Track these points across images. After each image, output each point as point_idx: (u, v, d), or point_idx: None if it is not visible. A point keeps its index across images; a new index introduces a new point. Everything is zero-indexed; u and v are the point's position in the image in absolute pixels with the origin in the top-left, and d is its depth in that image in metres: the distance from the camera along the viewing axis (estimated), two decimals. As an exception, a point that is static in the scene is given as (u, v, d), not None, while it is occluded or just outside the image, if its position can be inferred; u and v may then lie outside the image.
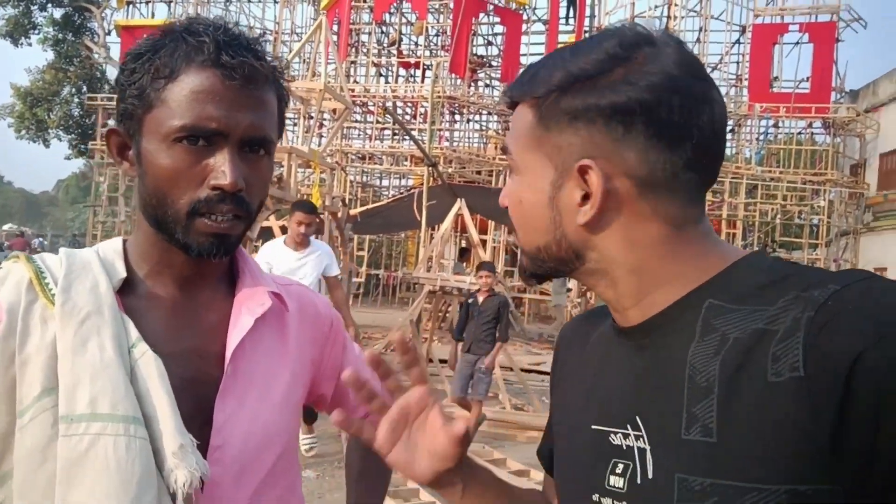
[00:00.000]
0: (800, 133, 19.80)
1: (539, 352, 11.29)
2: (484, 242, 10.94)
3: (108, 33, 24.60)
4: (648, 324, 0.67)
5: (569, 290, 13.48)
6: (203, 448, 0.78)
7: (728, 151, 21.36)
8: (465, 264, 11.06)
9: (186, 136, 0.76)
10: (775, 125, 19.88)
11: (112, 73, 24.84)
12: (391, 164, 18.92)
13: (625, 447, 0.65)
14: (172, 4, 22.99)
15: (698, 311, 0.63)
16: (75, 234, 33.18)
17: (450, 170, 16.63)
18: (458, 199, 8.04)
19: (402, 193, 17.07)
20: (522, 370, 7.76)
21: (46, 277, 0.78)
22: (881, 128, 18.01)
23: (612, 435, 0.67)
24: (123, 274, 0.82)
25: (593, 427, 0.70)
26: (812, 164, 18.66)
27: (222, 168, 0.76)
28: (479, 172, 17.94)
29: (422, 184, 12.54)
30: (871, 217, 18.00)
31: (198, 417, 0.79)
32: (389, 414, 0.76)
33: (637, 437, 0.64)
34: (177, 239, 0.80)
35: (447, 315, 11.33)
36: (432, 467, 0.74)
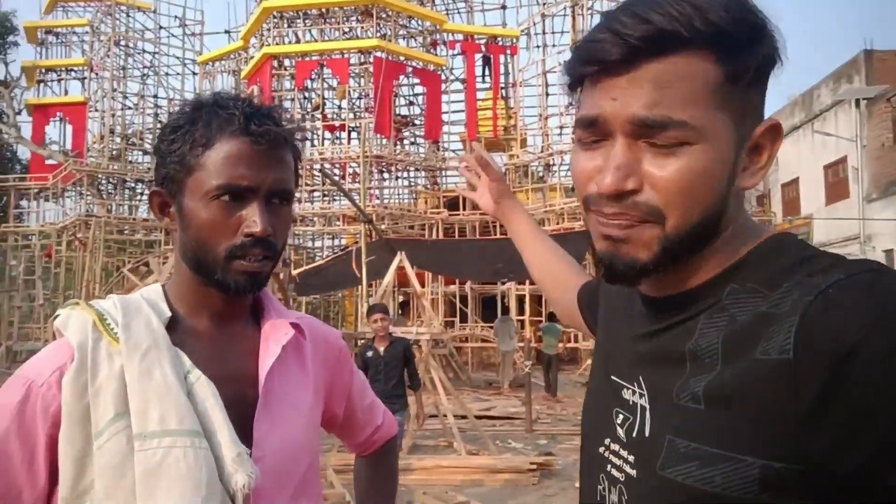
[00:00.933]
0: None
1: (488, 398, 11.36)
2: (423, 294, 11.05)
3: (19, 112, 23.89)
4: (674, 298, 0.67)
5: (512, 336, 13.51)
6: None
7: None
8: (405, 318, 11.07)
9: (224, 194, 0.90)
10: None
11: (24, 152, 24.00)
12: (323, 225, 18.94)
13: (631, 402, 0.70)
14: (87, 80, 22.63)
15: (720, 293, 0.64)
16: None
17: (383, 226, 16.79)
18: (399, 253, 8.18)
19: (336, 253, 17.05)
20: (476, 417, 7.81)
21: (107, 319, 0.90)
22: (779, 161, 19.51)
23: (625, 389, 0.72)
24: (168, 313, 0.95)
25: (612, 377, 0.75)
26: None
27: (254, 218, 0.90)
28: (411, 227, 18.20)
29: (356, 242, 12.62)
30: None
31: (239, 433, 0.90)
32: (469, 168, 1.31)
33: (641, 396, 0.68)
34: (216, 280, 0.92)
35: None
36: (488, 197, 1.28)
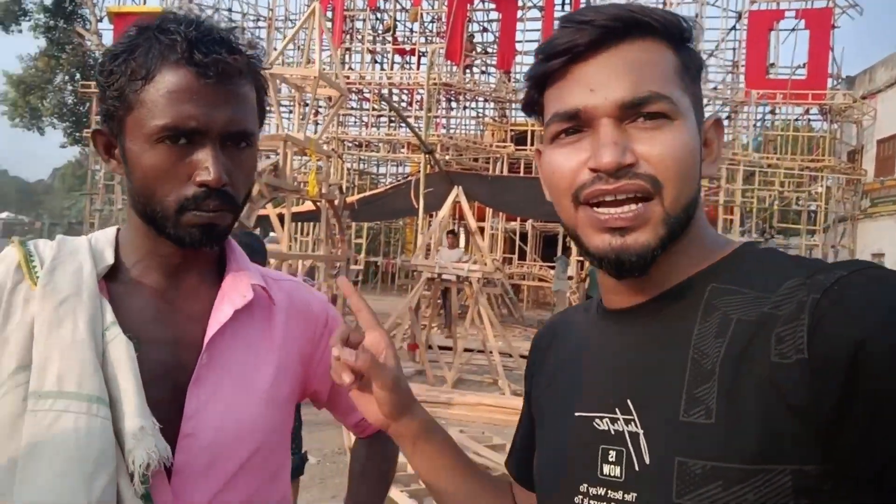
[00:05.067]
0: (797, 120, 19.78)
1: (537, 339, 11.34)
2: (482, 229, 10.92)
3: (101, 20, 24.36)
4: (650, 304, 0.66)
5: (570, 277, 13.55)
6: (175, 436, 0.79)
7: (726, 138, 21.44)
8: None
9: (168, 136, 0.78)
10: (772, 112, 19.85)
11: (105, 60, 24.61)
12: (388, 152, 18.86)
13: (613, 432, 0.63)
14: (165, -9, 22.80)
15: (702, 293, 0.62)
16: (72, 223, 33.06)
17: (447, 157, 16.58)
18: (456, 187, 8.00)
19: (399, 181, 17.02)
20: (521, 356, 7.79)
21: (34, 261, 0.80)
22: (878, 114, 18.01)
23: (598, 420, 0.65)
24: (110, 261, 0.84)
25: (577, 414, 0.68)
26: (809, 151, 18.66)
27: (206, 165, 0.78)
28: (475, 160, 17.89)
29: (419, 171, 12.50)
30: (869, 203, 18.03)
31: (173, 404, 0.80)
32: (348, 358, 0.72)
33: (627, 422, 0.62)
34: (167, 232, 0.81)
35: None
36: (376, 410, 0.79)
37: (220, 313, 0.85)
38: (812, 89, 17.54)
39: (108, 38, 23.33)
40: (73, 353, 0.74)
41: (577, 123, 0.64)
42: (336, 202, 7.41)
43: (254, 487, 0.86)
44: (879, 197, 17.59)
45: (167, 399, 0.79)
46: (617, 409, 0.63)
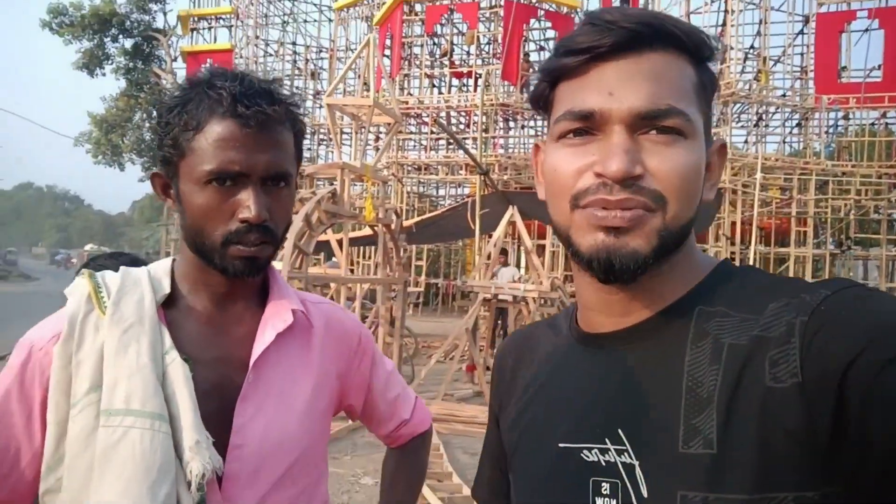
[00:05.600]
0: (873, 124, 18.83)
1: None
2: (542, 247, 10.85)
3: (175, 59, 25.80)
4: (635, 329, 0.64)
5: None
6: (225, 446, 0.88)
7: (795, 146, 20.60)
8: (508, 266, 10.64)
9: (215, 179, 0.88)
10: (845, 117, 18.98)
11: (179, 97, 25.99)
12: (446, 174, 19.05)
13: (604, 463, 0.61)
14: (233, 28, 23.91)
15: (689, 317, 0.61)
16: (149, 252, 34.74)
17: (505, 177, 16.62)
18: (511, 206, 8.01)
19: (457, 202, 17.13)
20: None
21: (102, 291, 0.92)
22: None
23: (586, 451, 0.62)
24: (167, 290, 0.95)
25: (561, 445, 0.65)
26: (888, 156, 17.71)
27: (247, 203, 0.88)
28: (533, 177, 17.81)
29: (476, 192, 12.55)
30: (956, 209, 16.93)
31: (221, 417, 0.89)
32: None
33: (620, 452, 0.60)
34: (214, 263, 0.92)
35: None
36: None
37: (264, 337, 0.95)
38: (888, 91, 16.69)
39: (183, 77, 24.66)
40: (137, 376, 0.85)
41: (589, 125, 0.62)
42: (393, 226, 7.54)
43: (296, 493, 0.95)
44: (969, 202, 16.48)
45: (217, 412, 0.89)
46: (607, 440, 0.61)
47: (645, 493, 0.58)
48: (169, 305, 0.94)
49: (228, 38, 24.34)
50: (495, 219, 9.24)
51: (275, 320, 0.96)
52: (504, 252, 10.17)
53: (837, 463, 0.51)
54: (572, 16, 20.35)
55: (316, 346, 1.02)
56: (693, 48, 0.62)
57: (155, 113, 0.94)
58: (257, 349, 0.93)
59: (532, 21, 19.67)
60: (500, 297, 7.66)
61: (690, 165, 0.61)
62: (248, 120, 0.88)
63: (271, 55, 24.82)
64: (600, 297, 0.67)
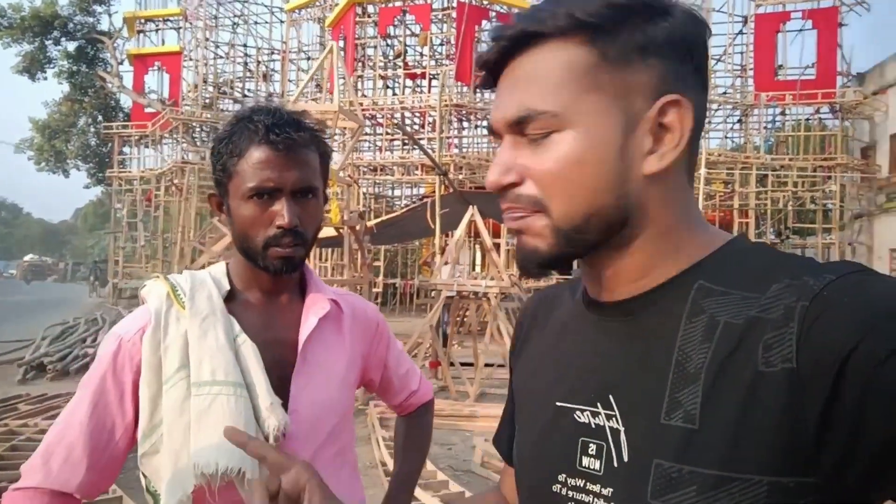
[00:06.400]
0: (807, 119, 19.77)
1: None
2: (498, 246, 11.14)
3: (121, 63, 25.16)
4: (634, 301, 0.64)
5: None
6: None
7: (737, 141, 21.43)
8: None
9: (255, 194, 1.08)
10: (782, 113, 19.89)
11: (126, 101, 25.46)
12: (402, 175, 19.19)
13: (594, 426, 0.63)
14: (181, 31, 23.50)
15: (688, 291, 0.61)
16: (96, 261, 33.70)
17: (461, 176, 16.85)
18: (471, 206, 8.26)
19: (414, 203, 17.29)
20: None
21: (178, 290, 1.12)
22: (890, 109, 17.96)
23: (578, 412, 0.64)
24: (227, 287, 1.16)
25: (557, 404, 0.67)
26: (822, 150, 18.61)
27: (281, 213, 1.08)
28: (489, 177, 18.05)
29: (434, 192, 12.77)
30: (884, 198, 17.93)
31: (279, 389, 1.10)
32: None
33: (609, 417, 0.61)
34: (258, 264, 1.11)
35: (465, 319, 11.56)
36: None
37: (309, 322, 1.15)
38: (821, 88, 17.59)
39: (129, 80, 24.01)
40: (219, 355, 1.05)
41: (495, 135, 0.65)
42: (357, 227, 7.70)
43: (338, 449, 1.18)
44: (895, 192, 17.50)
45: (275, 385, 1.08)
46: (598, 404, 0.63)
47: (626, 458, 0.59)
48: (229, 300, 1.14)
49: (177, 41, 23.89)
50: (454, 218, 9.47)
51: (315, 308, 1.16)
52: (442, 251, 10.38)
53: (822, 454, 0.51)
54: (522, 17, 20.65)
55: (346, 329, 1.23)
56: (584, 29, 0.59)
57: (210, 147, 1.15)
58: (304, 332, 1.13)
59: (484, 22, 19.95)
60: (462, 293, 7.90)
61: (570, 158, 0.59)
62: (278, 145, 1.07)
63: (222, 57, 24.45)
64: (585, 272, 0.69)
